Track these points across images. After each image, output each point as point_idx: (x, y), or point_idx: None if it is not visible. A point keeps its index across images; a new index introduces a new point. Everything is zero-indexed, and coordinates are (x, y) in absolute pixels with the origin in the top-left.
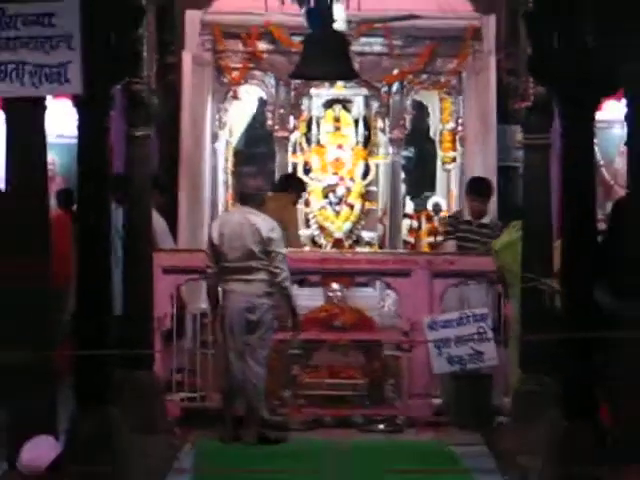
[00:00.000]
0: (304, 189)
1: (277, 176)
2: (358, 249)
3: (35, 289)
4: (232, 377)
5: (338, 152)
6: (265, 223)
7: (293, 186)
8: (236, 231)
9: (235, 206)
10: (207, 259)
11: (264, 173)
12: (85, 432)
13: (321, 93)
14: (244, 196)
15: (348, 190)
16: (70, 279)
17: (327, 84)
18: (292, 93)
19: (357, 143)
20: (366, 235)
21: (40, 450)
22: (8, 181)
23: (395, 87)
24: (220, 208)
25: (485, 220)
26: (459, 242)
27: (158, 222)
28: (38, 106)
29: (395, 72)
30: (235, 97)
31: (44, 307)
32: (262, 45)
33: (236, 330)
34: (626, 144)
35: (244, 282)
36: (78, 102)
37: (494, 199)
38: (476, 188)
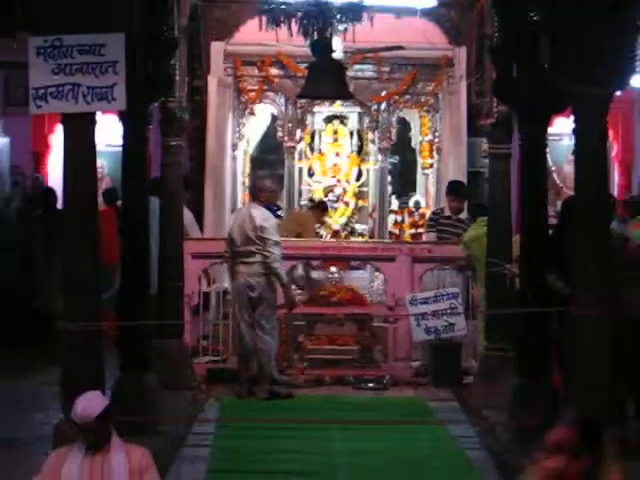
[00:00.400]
0: (326, 209)
1: (285, 179)
2: (352, 239)
3: (85, 269)
4: (245, 344)
5: (336, 159)
6: (260, 214)
7: (316, 207)
8: (240, 221)
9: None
10: (226, 245)
11: (275, 176)
12: (128, 388)
13: (322, 110)
14: (253, 194)
15: (344, 190)
16: (113, 263)
17: (327, 103)
18: (298, 110)
19: (352, 152)
20: (359, 227)
21: (91, 402)
22: (65, 182)
23: (383, 106)
24: (238, 204)
25: (462, 216)
26: (440, 234)
27: (187, 216)
28: (90, 120)
29: (383, 93)
30: (251, 113)
31: (96, 284)
32: (274, 71)
33: (242, 304)
34: (573, 153)
35: (245, 264)
36: (122, 117)
37: None
38: (455, 189)
